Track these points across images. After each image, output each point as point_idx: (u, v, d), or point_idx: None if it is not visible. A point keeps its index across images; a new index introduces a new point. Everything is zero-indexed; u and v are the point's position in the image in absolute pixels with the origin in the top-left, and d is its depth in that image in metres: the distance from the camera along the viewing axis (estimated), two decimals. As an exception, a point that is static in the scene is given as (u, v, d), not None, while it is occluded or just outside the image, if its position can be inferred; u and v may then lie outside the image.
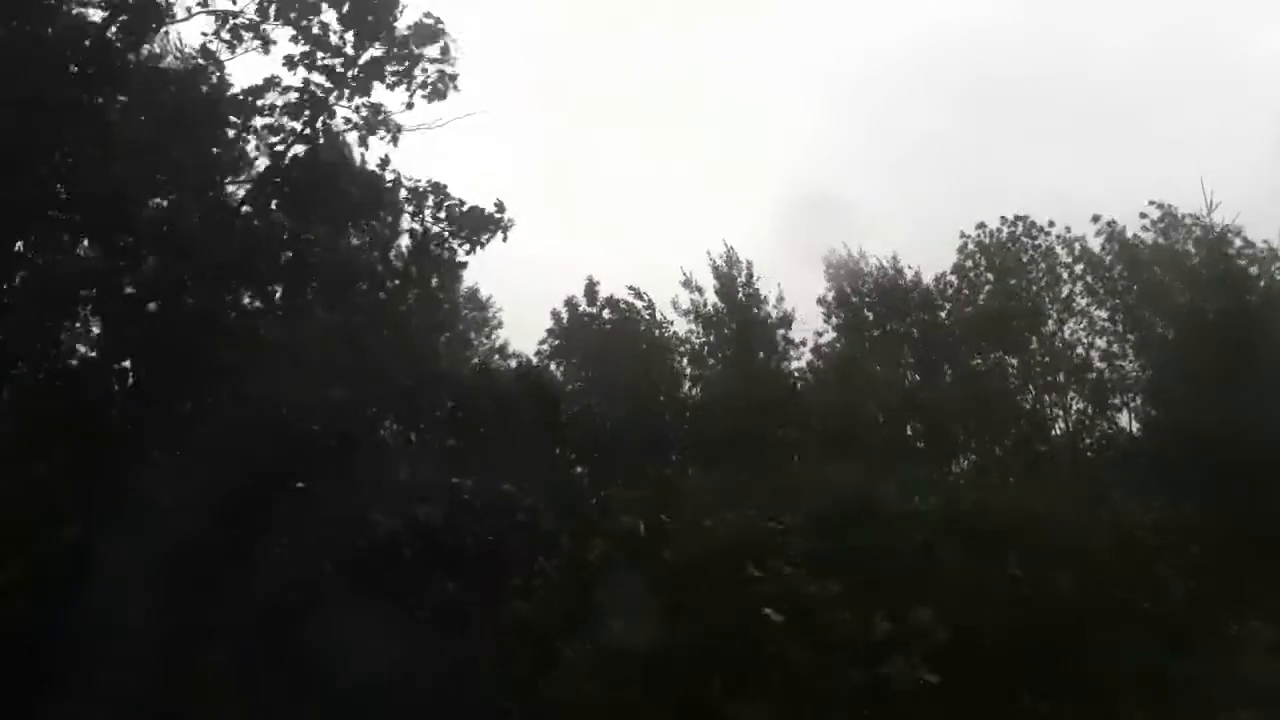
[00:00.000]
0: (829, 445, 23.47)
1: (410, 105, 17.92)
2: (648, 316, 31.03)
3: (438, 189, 18.29)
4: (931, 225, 41.88)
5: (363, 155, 18.45)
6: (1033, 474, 23.80)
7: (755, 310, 29.67)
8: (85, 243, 17.38)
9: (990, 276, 29.09)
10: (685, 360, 29.89)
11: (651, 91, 58.10)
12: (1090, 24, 53.50)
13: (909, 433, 27.01)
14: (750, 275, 30.03)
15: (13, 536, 14.37)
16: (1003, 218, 29.26)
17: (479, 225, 18.06)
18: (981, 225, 29.30)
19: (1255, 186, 27.60)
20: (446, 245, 18.27)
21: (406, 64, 17.80)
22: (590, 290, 31.48)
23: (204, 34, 17.72)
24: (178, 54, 18.44)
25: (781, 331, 29.78)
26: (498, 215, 18.09)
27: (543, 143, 53.15)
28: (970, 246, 29.28)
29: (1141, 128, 46.22)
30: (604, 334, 30.97)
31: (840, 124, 53.77)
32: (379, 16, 17.64)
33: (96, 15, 17.18)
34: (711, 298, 30.33)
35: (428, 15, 17.83)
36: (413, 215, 18.39)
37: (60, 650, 13.66)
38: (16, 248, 17.02)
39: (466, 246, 18.21)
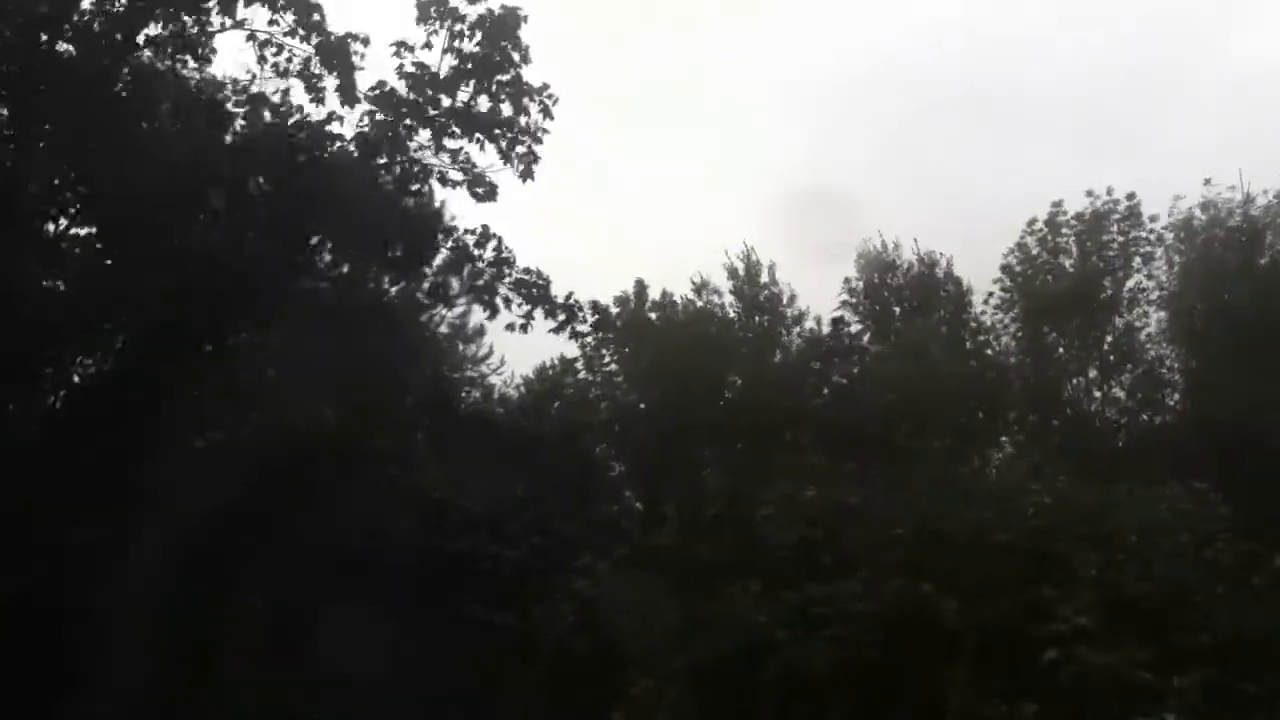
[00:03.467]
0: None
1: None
2: (693, 312, 31.18)
3: (485, 235, 19.00)
4: (932, 221, 41.42)
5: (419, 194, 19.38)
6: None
7: (779, 310, 29.58)
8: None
9: (1073, 250, 27.55)
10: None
11: (651, 91, 57.54)
12: (1094, 26, 51.88)
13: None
14: (773, 276, 29.98)
15: (29, 537, 14.86)
16: (1089, 192, 27.77)
17: (554, 308, 19.01)
18: (1058, 202, 27.85)
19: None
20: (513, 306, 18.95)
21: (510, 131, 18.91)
22: (640, 290, 31.97)
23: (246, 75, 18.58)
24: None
25: (792, 324, 29.64)
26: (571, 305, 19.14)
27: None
28: (1039, 225, 28.19)
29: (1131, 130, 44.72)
30: (654, 331, 31.17)
31: (840, 122, 52.83)
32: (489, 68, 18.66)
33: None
34: (728, 299, 30.37)
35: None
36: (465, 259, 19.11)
37: (74, 649, 14.21)
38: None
39: (541, 312, 18.90)
